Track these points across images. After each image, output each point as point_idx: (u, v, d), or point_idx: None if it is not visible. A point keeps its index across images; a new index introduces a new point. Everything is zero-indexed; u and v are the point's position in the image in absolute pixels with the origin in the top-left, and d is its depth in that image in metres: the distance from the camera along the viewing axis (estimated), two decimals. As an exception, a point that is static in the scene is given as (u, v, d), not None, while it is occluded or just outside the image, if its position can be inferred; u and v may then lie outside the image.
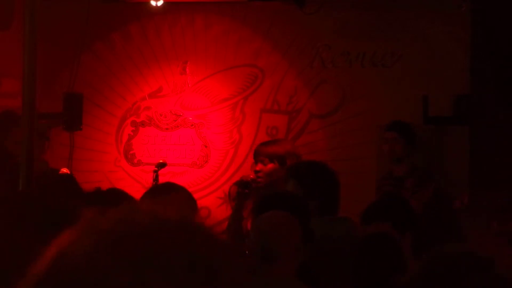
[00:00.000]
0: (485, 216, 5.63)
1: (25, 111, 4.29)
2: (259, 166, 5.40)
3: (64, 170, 6.08)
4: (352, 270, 3.39)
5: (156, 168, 5.98)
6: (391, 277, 3.21)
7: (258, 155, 5.46)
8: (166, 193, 3.63)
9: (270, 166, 5.37)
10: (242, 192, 5.27)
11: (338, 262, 3.79)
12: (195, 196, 6.85)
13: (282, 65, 6.80)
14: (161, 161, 6.16)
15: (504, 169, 5.83)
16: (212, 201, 6.86)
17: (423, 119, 6.40)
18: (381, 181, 5.96)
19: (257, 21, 6.82)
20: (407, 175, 5.91)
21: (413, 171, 5.96)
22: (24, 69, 4.22)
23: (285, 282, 3.28)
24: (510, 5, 5.93)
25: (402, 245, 3.59)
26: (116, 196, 3.48)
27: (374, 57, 6.65)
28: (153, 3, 6.67)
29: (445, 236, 5.20)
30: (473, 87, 6.14)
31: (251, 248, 3.39)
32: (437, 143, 6.42)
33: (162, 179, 6.00)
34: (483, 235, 5.35)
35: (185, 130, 6.94)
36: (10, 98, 6.28)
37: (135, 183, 6.85)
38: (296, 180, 4.30)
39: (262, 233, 3.35)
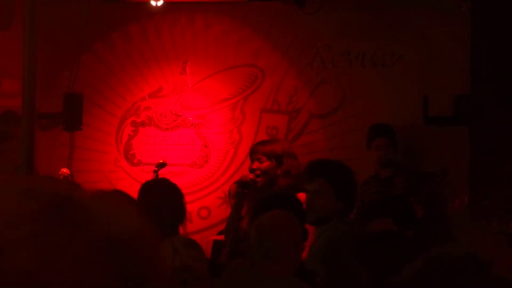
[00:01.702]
0: (485, 216, 5.63)
1: (25, 111, 4.29)
2: (256, 164, 5.40)
3: (64, 170, 6.08)
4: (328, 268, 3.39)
5: (156, 168, 5.98)
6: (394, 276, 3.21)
7: (255, 153, 5.47)
8: None
9: (267, 164, 5.37)
10: (242, 192, 5.27)
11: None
12: (195, 196, 6.89)
13: (282, 65, 6.80)
14: (161, 161, 6.16)
15: (504, 169, 5.82)
16: (212, 201, 6.85)
17: (423, 119, 6.40)
18: (368, 184, 5.98)
19: (257, 21, 6.82)
20: (395, 175, 5.96)
21: (400, 170, 6.01)
22: (24, 69, 4.22)
23: (283, 281, 3.28)
24: (510, 5, 5.92)
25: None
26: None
27: (374, 57, 6.65)
28: (153, 3, 6.67)
29: (437, 236, 5.21)
30: (473, 87, 6.14)
31: (252, 246, 3.40)
32: (437, 143, 6.42)
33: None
34: (483, 235, 5.35)
35: (185, 130, 6.94)
36: (10, 98, 6.28)
37: (135, 183, 6.85)
38: (325, 179, 4.21)
39: (263, 231, 3.36)
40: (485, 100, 6.00)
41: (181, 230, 4.59)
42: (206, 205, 6.80)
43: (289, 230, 3.38)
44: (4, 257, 0.70)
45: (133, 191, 4.47)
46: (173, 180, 4.96)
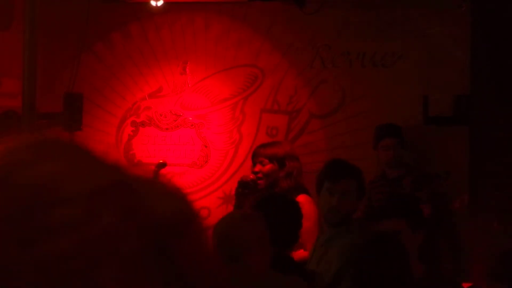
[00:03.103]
0: (485, 216, 5.63)
1: (25, 111, 4.29)
2: (258, 167, 5.42)
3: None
4: (355, 271, 3.37)
5: (156, 168, 5.98)
6: (395, 279, 3.21)
7: (257, 156, 5.49)
8: None
9: (269, 167, 5.38)
10: (242, 192, 5.28)
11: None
12: (196, 196, 6.89)
13: (282, 65, 6.80)
14: (161, 161, 6.16)
15: (504, 169, 5.82)
16: (212, 201, 6.85)
17: (423, 119, 6.40)
18: (374, 183, 5.95)
19: (257, 21, 6.82)
20: (404, 175, 5.92)
21: (409, 171, 5.98)
22: (24, 69, 4.22)
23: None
24: (510, 5, 5.93)
25: (412, 243, 3.58)
26: None
27: (374, 57, 6.64)
28: (153, 3, 6.67)
29: (443, 237, 5.21)
30: (473, 87, 6.14)
31: (217, 250, 3.33)
32: (437, 143, 6.42)
33: (162, 179, 6.00)
34: (483, 235, 5.35)
35: (185, 130, 6.94)
36: (10, 98, 6.28)
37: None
38: (353, 180, 4.14)
39: (217, 237, 3.26)
40: (485, 100, 6.00)
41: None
42: (206, 205, 6.80)
43: (241, 232, 3.26)
44: (50, 238, 0.64)
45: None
46: (173, 180, 4.97)
